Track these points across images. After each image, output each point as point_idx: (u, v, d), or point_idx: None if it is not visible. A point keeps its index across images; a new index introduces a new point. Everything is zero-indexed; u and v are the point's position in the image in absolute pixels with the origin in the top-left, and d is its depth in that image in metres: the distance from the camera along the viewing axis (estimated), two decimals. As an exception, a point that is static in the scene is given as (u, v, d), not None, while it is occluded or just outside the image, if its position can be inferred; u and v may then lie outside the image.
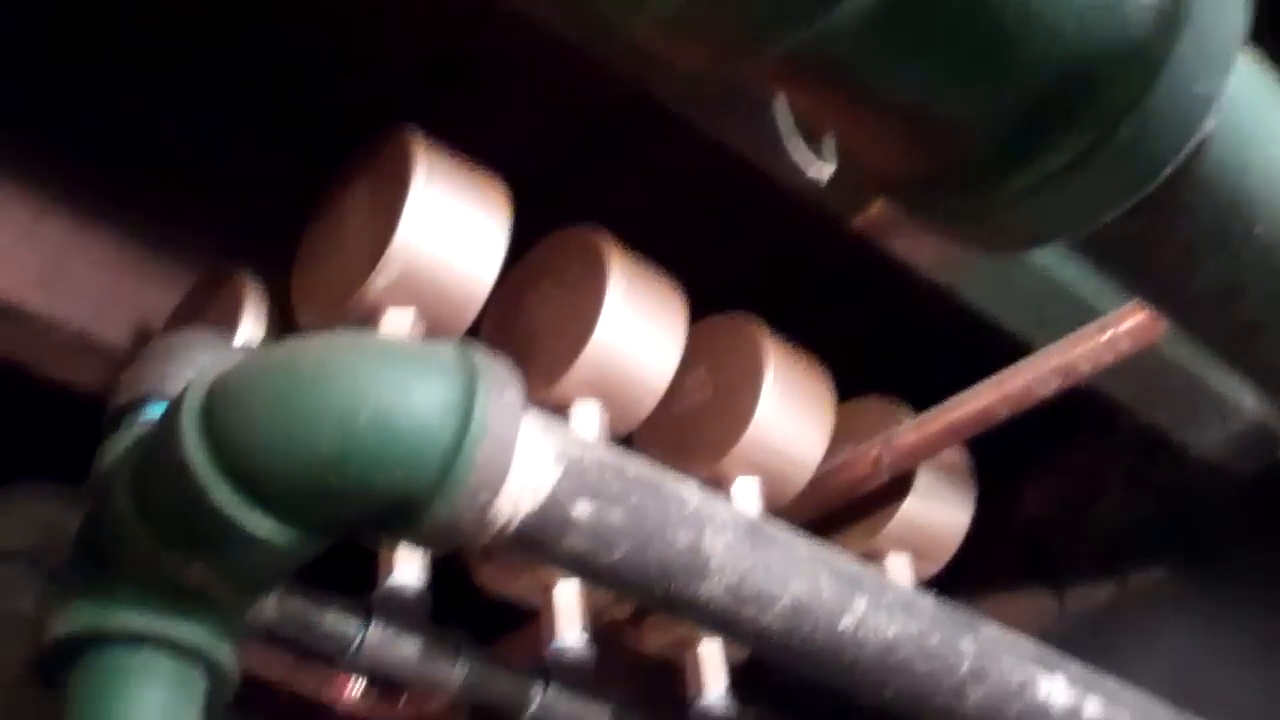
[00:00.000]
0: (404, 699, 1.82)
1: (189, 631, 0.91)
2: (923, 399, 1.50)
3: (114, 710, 0.89)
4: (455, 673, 1.39)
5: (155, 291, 1.47)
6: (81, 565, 0.93)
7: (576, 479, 0.88)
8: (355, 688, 1.76)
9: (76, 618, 0.90)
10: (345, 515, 0.84)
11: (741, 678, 1.66)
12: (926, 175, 0.47)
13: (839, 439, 1.50)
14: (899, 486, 1.49)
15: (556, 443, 0.89)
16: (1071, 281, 1.45)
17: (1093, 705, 1.14)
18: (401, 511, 0.83)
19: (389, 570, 1.38)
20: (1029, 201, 0.46)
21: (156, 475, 0.87)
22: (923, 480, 1.49)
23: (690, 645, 1.59)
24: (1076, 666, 1.16)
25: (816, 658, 1.00)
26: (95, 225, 1.45)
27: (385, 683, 1.80)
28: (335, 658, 1.34)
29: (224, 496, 0.82)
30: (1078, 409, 1.91)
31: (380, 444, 0.81)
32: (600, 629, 1.63)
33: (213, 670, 0.93)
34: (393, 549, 1.39)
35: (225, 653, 0.94)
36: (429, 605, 1.40)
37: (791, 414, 1.41)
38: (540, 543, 0.89)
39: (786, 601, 0.96)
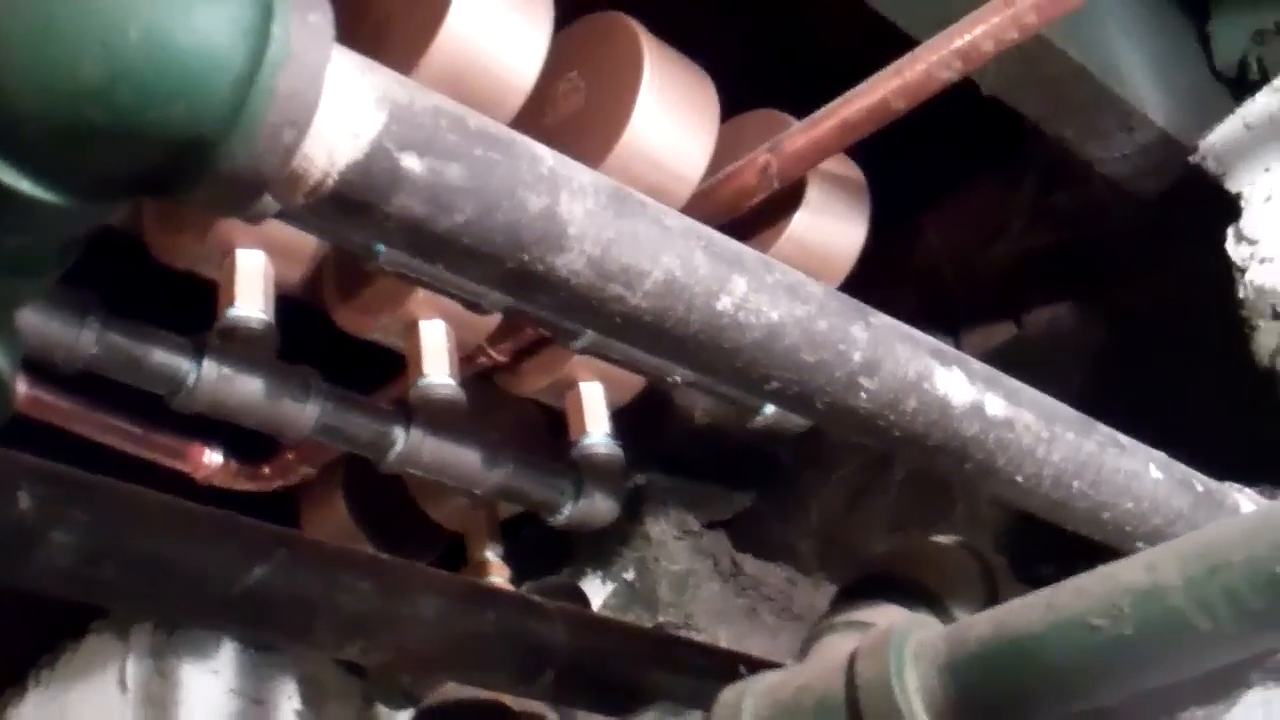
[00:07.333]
0: (267, 467, 1.72)
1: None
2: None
3: None
4: (306, 411, 1.28)
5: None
6: None
7: (406, 126, 0.75)
8: (212, 456, 1.66)
9: None
10: (117, 165, 0.70)
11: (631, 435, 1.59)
12: None
13: (723, 157, 1.39)
14: (789, 201, 1.38)
15: (379, 83, 0.75)
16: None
17: (995, 402, 1.06)
18: (189, 158, 0.70)
19: (230, 302, 1.25)
20: None
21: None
22: (814, 193, 1.38)
23: (570, 386, 1.50)
24: (976, 362, 1.08)
25: (693, 344, 0.89)
26: None
27: (245, 451, 1.69)
28: (169, 397, 1.22)
29: (-31, 147, 0.68)
30: (980, 144, 1.82)
31: (156, 68, 0.67)
32: (476, 373, 1.54)
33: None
34: (232, 276, 1.26)
35: None
36: (276, 342, 1.28)
37: (671, 119, 1.29)
38: (366, 203, 0.76)
39: (658, 276, 0.85)
